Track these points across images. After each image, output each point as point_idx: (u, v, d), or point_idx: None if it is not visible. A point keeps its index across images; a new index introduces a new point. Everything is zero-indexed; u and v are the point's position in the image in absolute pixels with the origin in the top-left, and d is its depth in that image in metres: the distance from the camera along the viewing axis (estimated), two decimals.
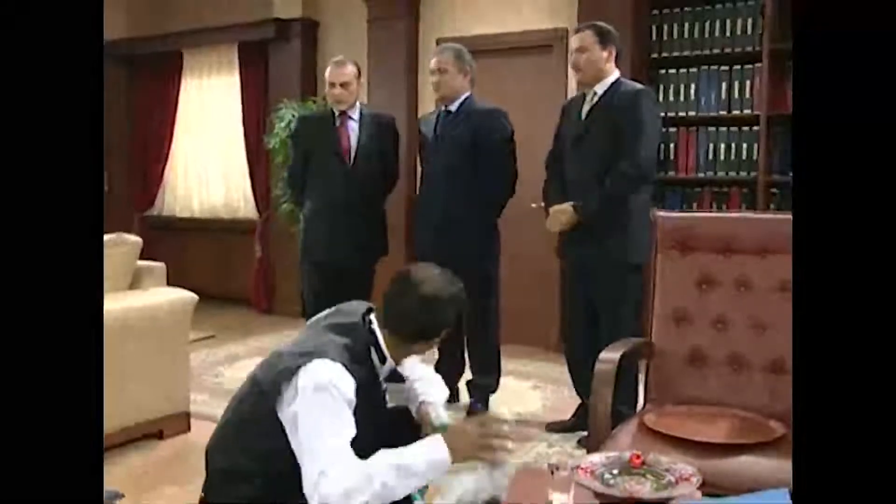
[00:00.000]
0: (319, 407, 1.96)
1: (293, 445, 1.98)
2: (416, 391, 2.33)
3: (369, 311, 2.21)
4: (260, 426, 2.05)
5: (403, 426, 2.25)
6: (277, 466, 2.01)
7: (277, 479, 2.02)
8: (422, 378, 2.38)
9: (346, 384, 2.00)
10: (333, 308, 2.26)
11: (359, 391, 2.02)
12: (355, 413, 2.01)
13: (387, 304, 2.18)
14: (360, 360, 2.08)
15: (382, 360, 2.15)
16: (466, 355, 4.38)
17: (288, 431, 2.00)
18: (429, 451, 1.96)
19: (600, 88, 3.79)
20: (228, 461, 2.10)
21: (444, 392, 2.40)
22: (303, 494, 1.99)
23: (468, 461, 1.97)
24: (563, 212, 3.77)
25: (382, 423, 2.21)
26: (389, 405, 2.35)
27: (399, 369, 2.29)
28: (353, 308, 2.23)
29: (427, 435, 2.19)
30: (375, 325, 2.17)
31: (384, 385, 2.23)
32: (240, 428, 2.12)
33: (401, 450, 1.97)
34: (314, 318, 2.26)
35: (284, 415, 2.00)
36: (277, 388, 2.02)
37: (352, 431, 1.98)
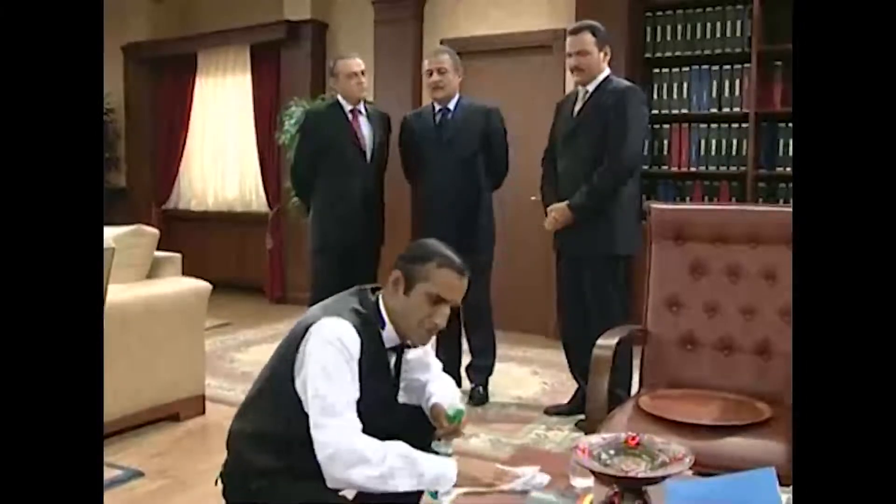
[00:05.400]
0: (324, 360, 1.96)
1: (305, 403, 1.98)
2: (428, 391, 2.32)
3: (377, 288, 2.22)
4: (280, 393, 2.04)
5: (419, 425, 2.24)
6: (296, 433, 1.99)
7: (296, 445, 2.00)
8: (432, 379, 2.36)
9: (351, 340, 1.99)
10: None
11: (365, 350, 2.02)
12: (360, 370, 2.00)
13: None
14: (367, 322, 2.07)
15: (382, 324, 2.13)
16: (465, 342, 4.39)
17: (300, 394, 1.99)
18: (442, 465, 1.97)
19: (591, 86, 3.77)
20: (252, 427, 2.08)
21: (455, 390, 2.38)
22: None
23: (470, 488, 1.96)
24: (559, 211, 3.77)
25: (387, 388, 2.20)
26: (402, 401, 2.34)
27: (410, 357, 2.29)
28: (362, 286, 2.24)
29: (442, 436, 2.19)
30: (380, 294, 2.17)
31: (389, 355, 2.20)
32: (263, 395, 2.11)
33: (416, 451, 1.98)
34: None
35: (298, 379, 2.00)
36: (292, 354, 2.02)
37: (354, 391, 1.98)
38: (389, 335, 2.15)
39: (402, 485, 1.92)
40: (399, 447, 1.95)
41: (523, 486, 1.96)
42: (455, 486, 1.94)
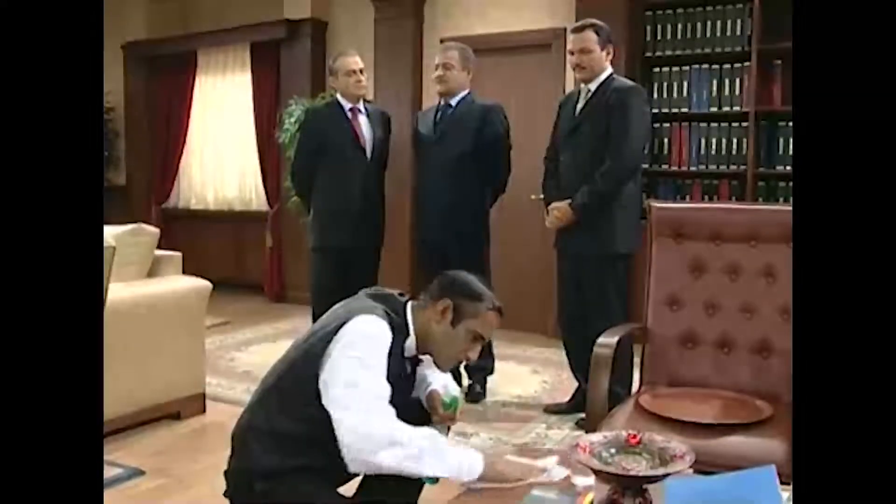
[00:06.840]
0: (362, 352, 1.97)
1: (326, 397, 1.96)
2: (426, 381, 2.32)
3: (402, 294, 2.23)
4: (295, 390, 2.03)
5: (418, 417, 2.23)
6: (314, 430, 1.97)
7: (305, 444, 1.99)
8: (431, 371, 2.37)
9: (386, 336, 2.02)
10: (366, 291, 2.26)
11: (391, 353, 2.03)
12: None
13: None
14: (397, 329, 2.09)
15: (406, 333, 2.15)
16: None
17: (322, 390, 1.98)
18: (467, 456, 1.96)
19: (594, 85, 3.77)
20: (265, 423, 2.06)
21: (452, 381, 2.39)
22: (333, 460, 1.94)
23: (494, 483, 1.95)
24: (561, 210, 3.77)
25: (405, 391, 2.20)
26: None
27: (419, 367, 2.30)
28: (387, 289, 2.25)
29: (437, 423, 2.19)
30: (409, 305, 2.18)
31: (408, 364, 2.22)
32: (273, 394, 2.09)
33: (442, 438, 1.99)
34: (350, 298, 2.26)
35: (322, 375, 1.99)
36: (320, 351, 2.01)
37: (387, 383, 1.98)
38: (409, 346, 2.16)
39: (431, 468, 1.91)
40: (425, 431, 1.95)
41: (549, 478, 1.95)
42: (481, 478, 1.93)
